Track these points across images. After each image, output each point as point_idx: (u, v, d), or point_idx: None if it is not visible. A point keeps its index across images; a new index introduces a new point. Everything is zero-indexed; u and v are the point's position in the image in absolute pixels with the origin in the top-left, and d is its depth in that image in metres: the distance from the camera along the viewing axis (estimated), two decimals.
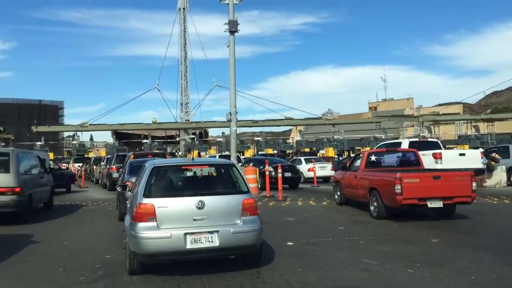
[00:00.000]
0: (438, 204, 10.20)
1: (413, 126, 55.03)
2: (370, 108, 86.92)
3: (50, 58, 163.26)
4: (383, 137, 46.28)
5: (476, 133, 51.07)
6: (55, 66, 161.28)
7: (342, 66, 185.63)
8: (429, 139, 23.29)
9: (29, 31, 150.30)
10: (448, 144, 46.54)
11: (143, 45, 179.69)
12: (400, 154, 13.77)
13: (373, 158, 12.99)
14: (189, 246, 5.81)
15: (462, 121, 59.06)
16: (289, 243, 8.24)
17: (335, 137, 52.44)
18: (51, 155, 40.06)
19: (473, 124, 55.00)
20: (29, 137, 59.44)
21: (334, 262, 6.81)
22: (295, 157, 33.68)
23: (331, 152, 46.66)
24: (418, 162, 12.94)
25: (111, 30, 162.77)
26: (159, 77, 66.26)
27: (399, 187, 10.00)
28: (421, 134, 45.92)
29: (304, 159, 28.11)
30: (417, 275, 6.10)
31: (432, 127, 53.72)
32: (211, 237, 5.89)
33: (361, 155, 13.42)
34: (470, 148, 35.45)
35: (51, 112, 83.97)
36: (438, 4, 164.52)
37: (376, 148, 20.99)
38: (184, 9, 64.79)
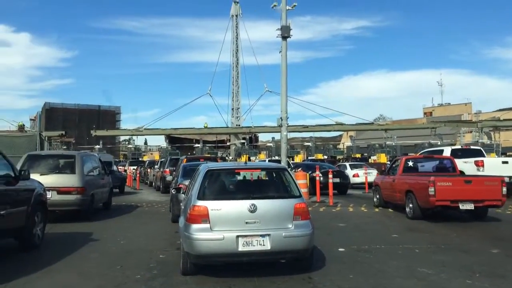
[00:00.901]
0: (469, 206, 10.90)
1: (471, 132, 52.50)
2: (425, 113, 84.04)
3: (108, 66, 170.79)
4: (439, 143, 44.50)
5: None
6: (113, 73, 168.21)
7: (396, 70, 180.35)
8: (472, 147, 23.10)
9: (90, 39, 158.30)
10: (509, 151, 44.14)
11: (196, 51, 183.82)
12: (437, 161, 14.42)
13: (410, 163, 13.87)
14: (241, 248, 5.88)
15: None
16: (340, 249, 8.14)
17: (388, 143, 51.11)
18: None
19: None
20: (88, 140, 62.44)
21: (387, 270, 6.66)
22: (339, 163, 33.26)
23: (383, 158, 45.54)
24: (454, 168, 13.60)
25: (166, 38, 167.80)
26: (211, 83, 67.36)
27: (432, 189, 10.81)
28: (480, 141, 43.76)
29: (349, 164, 27.91)
30: (477, 285, 5.85)
31: (492, 133, 50.99)
32: (263, 240, 5.93)
33: (399, 161, 14.29)
34: None
35: (109, 117, 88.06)
36: (496, 5, 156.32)
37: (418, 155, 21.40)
38: (237, 15, 65.90)
